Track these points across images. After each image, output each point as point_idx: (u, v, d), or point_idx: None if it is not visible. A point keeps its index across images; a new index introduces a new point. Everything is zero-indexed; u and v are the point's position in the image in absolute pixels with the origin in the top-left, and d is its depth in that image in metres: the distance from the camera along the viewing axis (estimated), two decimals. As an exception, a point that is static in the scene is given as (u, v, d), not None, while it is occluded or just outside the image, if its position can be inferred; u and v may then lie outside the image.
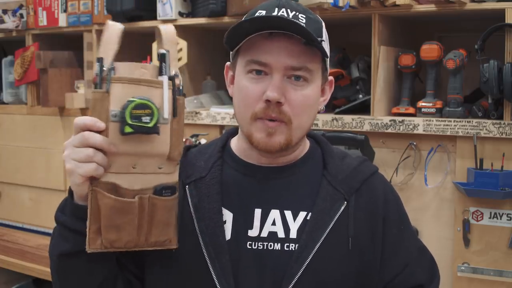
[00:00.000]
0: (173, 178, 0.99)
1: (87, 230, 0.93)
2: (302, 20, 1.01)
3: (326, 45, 1.05)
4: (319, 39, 1.00)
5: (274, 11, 1.01)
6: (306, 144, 1.14)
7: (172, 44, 0.98)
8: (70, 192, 0.99)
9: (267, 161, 1.09)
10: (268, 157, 1.08)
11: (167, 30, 0.99)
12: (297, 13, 1.01)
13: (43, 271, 2.59)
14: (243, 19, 1.03)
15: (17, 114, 2.96)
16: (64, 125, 2.77)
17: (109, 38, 0.94)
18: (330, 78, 1.11)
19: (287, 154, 1.08)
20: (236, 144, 1.13)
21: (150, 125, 0.91)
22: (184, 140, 2.41)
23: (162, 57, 0.96)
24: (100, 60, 0.92)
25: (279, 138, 1.02)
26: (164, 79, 0.94)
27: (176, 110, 0.95)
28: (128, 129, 0.90)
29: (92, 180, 0.92)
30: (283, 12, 1.01)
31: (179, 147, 0.97)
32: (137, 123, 0.90)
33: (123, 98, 0.91)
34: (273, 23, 0.98)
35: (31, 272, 2.66)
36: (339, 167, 1.11)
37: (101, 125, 0.91)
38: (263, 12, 1.02)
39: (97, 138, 0.90)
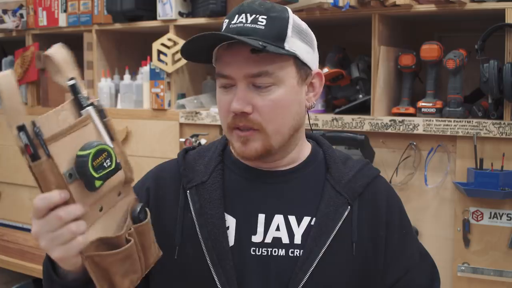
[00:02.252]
0: (132, 196, 0.94)
1: None
2: (262, 22, 0.99)
3: (295, 39, 1.01)
4: (272, 44, 0.96)
5: (234, 18, 1.01)
6: (308, 147, 1.13)
7: (68, 65, 0.87)
8: (52, 268, 0.91)
9: (269, 166, 1.08)
10: (263, 162, 1.07)
11: (58, 53, 0.86)
12: (257, 16, 0.99)
13: (43, 271, 2.59)
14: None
15: (17, 114, 2.96)
16: (64, 125, 2.76)
17: (10, 95, 0.78)
18: (317, 70, 1.07)
19: (280, 158, 1.07)
20: None
21: (113, 166, 0.85)
22: (184, 140, 2.42)
23: (73, 88, 0.86)
24: (22, 128, 0.79)
25: (254, 145, 1.01)
26: (90, 111, 0.87)
27: (112, 134, 0.89)
28: (98, 183, 0.83)
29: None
30: (242, 18, 1.00)
31: (129, 166, 0.92)
32: (103, 173, 0.83)
33: (68, 154, 0.82)
34: (219, 37, 0.97)
35: (31, 272, 2.67)
36: (342, 171, 1.09)
37: (65, 194, 0.80)
38: (227, 21, 1.02)
39: (72, 211, 0.81)
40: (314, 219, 1.05)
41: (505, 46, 1.79)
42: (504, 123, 1.78)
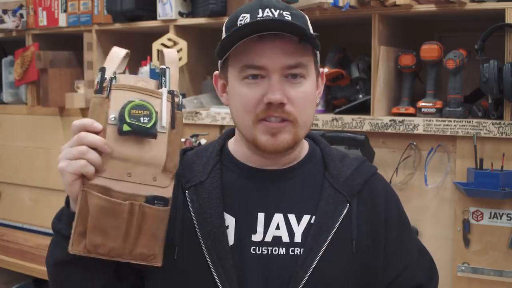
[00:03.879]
0: (167, 193, 0.96)
1: (72, 230, 0.92)
2: (288, 17, 1.00)
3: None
4: (308, 30, 0.99)
5: (258, 13, 1.00)
6: (305, 145, 1.13)
7: (173, 65, 1.00)
8: (67, 201, 0.98)
9: (268, 164, 1.08)
10: (272, 158, 1.06)
11: (170, 53, 1.02)
12: (282, 11, 1.00)
13: (43, 271, 2.58)
14: (225, 25, 1.03)
15: (17, 114, 2.96)
16: (64, 125, 2.77)
17: (112, 57, 0.98)
18: (321, 70, 1.10)
19: (291, 152, 1.07)
20: (234, 147, 1.12)
21: (148, 126, 0.91)
22: (184, 140, 2.42)
23: (162, 72, 0.98)
24: (102, 69, 0.94)
25: (285, 136, 1.01)
26: (164, 90, 0.96)
27: (174, 122, 0.95)
28: (126, 128, 0.90)
29: (84, 181, 0.91)
30: (267, 12, 1.00)
31: (175, 160, 0.96)
32: (135, 122, 0.90)
33: (123, 103, 0.91)
34: (264, 26, 0.97)
35: (31, 272, 2.67)
36: (340, 169, 1.10)
37: (98, 125, 0.91)
38: (247, 16, 1.00)
39: (91, 137, 0.90)
40: (313, 217, 1.05)
41: (505, 46, 1.79)
42: (504, 123, 1.78)
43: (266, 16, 0.99)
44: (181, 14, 2.40)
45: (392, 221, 1.11)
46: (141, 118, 0.90)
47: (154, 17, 2.45)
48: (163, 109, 0.94)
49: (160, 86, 0.97)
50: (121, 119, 0.90)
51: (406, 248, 1.12)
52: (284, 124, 1.00)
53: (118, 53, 0.98)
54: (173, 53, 1.02)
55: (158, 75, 0.98)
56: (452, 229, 1.90)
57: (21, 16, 2.85)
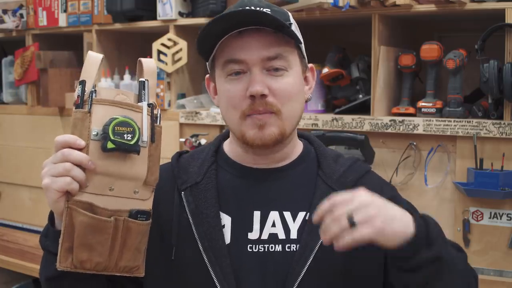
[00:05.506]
0: (148, 205, 0.99)
1: (59, 247, 0.93)
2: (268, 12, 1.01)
3: (297, 32, 1.06)
4: (287, 23, 1.00)
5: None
6: (300, 145, 1.14)
7: (152, 76, 1.01)
8: (51, 217, 0.99)
9: (261, 163, 1.09)
10: (263, 155, 1.07)
11: (149, 63, 1.02)
12: (261, 8, 1.02)
13: (43, 271, 2.59)
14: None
15: (17, 114, 2.96)
16: (64, 125, 2.77)
17: (90, 65, 0.97)
18: (310, 65, 1.11)
19: (281, 149, 1.08)
20: (229, 147, 1.13)
21: (132, 142, 0.92)
22: (184, 140, 2.42)
23: (142, 85, 0.99)
24: (82, 82, 0.95)
25: (271, 129, 1.02)
26: (144, 104, 0.97)
27: (154, 136, 0.97)
28: (110, 145, 0.91)
29: (68, 197, 0.93)
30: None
31: (155, 173, 0.98)
32: (119, 140, 0.91)
33: (104, 118, 0.93)
34: (239, 18, 0.99)
35: (31, 272, 2.66)
36: (333, 168, 1.11)
37: (82, 142, 0.92)
38: None
39: (76, 154, 0.91)
40: (308, 214, 1.05)
41: (505, 46, 1.79)
42: (504, 123, 1.78)
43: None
44: (181, 14, 2.40)
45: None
46: (125, 135, 0.92)
47: (154, 17, 2.45)
48: (144, 124, 0.95)
49: (139, 99, 0.98)
50: (105, 136, 0.91)
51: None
52: (267, 116, 1.02)
53: (94, 63, 0.97)
54: (151, 63, 1.02)
55: (138, 88, 0.99)
56: (452, 229, 1.90)
57: (21, 16, 2.85)
